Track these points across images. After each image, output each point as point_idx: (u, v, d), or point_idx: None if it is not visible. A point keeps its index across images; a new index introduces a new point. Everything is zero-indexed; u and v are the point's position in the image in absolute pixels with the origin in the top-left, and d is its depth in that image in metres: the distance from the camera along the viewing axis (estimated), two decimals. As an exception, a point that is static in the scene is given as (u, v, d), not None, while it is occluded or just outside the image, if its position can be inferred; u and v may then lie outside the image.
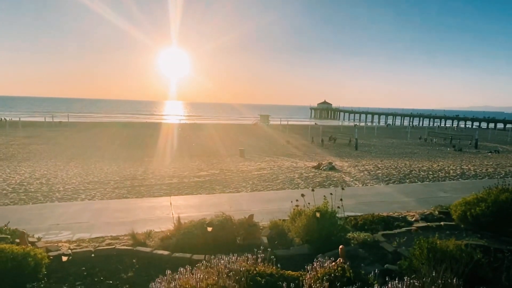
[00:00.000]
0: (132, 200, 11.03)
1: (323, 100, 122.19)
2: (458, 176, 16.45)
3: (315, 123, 65.40)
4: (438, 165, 20.08)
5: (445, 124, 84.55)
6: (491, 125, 79.03)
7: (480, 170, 18.45)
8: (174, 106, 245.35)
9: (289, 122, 58.78)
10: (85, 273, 4.77)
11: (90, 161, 19.52)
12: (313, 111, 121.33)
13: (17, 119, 45.82)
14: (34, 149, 24.33)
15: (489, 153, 29.34)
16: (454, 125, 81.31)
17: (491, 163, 21.97)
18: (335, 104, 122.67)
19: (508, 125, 74.08)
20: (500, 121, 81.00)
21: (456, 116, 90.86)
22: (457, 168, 19.08)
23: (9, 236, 5.77)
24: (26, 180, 13.80)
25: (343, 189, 8.04)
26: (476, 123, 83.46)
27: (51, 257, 4.97)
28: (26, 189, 12.36)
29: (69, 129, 43.34)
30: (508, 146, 37.11)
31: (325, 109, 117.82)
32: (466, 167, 19.41)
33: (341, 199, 6.29)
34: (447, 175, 16.77)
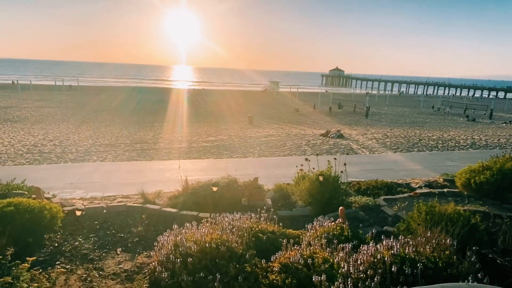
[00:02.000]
0: (142, 163, 11.35)
1: (335, 67, 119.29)
2: (468, 146, 16.30)
3: (326, 91, 64.35)
4: (449, 135, 19.87)
5: (460, 94, 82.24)
6: (509, 95, 76.54)
7: (492, 141, 18.22)
8: (183, 71, 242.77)
9: (299, 90, 57.96)
10: (97, 227, 5.08)
11: (101, 125, 19.89)
12: (324, 78, 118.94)
13: (28, 82, 46.22)
14: (46, 112, 24.78)
15: (504, 124, 28.76)
16: (469, 95, 79.04)
17: (504, 133, 21.62)
18: (347, 71, 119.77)
19: (526, 95, 71.74)
20: (517, 91, 78.35)
21: (472, 85, 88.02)
22: (468, 138, 18.86)
23: (26, 192, 6.10)
24: (40, 142, 14.22)
25: (347, 154, 8.12)
26: (493, 93, 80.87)
27: (66, 212, 5.29)
28: (40, 150, 12.78)
29: (79, 93, 43.66)
30: (524, 117, 36.22)
31: (336, 76, 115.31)
32: (478, 137, 19.17)
33: (344, 164, 6.37)
34: (457, 144, 16.63)
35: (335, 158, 6.56)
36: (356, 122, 26.77)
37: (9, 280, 3.29)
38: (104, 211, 5.64)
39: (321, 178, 5.92)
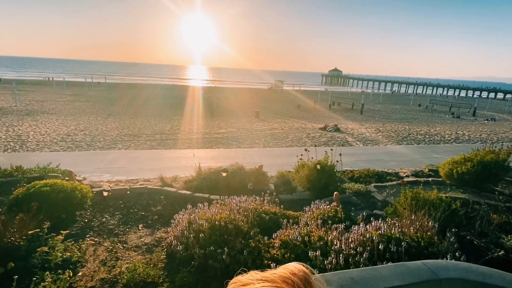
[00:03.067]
0: (161, 151, 11.44)
1: (334, 68, 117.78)
2: (452, 140, 16.09)
3: (325, 89, 63.67)
4: (435, 130, 19.60)
5: (447, 93, 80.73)
6: (492, 94, 74.99)
7: (474, 136, 17.95)
8: (198, 70, 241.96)
9: (301, 88, 57.49)
10: (122, 206, 5.17)
11: (125, 117, 20.01)
12: (324, 77, 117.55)
13: (62, 79, 46.57)
14: (77, 106, 24.98)
15: (486, 121, 28.23)
16: (455, 94, 77.57)
17: (485, 129, 21.25)
18: (345, 71, 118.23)
19: (508, 95, 70.12)
20: (500, 91, 76.54)
21: (458, 86, 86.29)
22: (453, 133, 18.60)
23: (60, 175, 6.22)
24: (72, 132, 14.38)
25: (342, 145, 8.07)
26: (477, 93, 79.29)
27: (95, 192, 5.39)
28: (72, 138, 12.94)
29: (106, 89, 43.81)
30: (505, 114, 35.45)
31: (335, 76, 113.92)
32: (461, 133, 18.90)
33: (340, 155, 6.36)
34: (442, 139, 16.43)
35: (331, 149, 6.55)
36: (352, 117, 26.49)
37: (46, 250, 3.39)
38: (128, 192, 5.73)
39: (318, 167, 5.92)
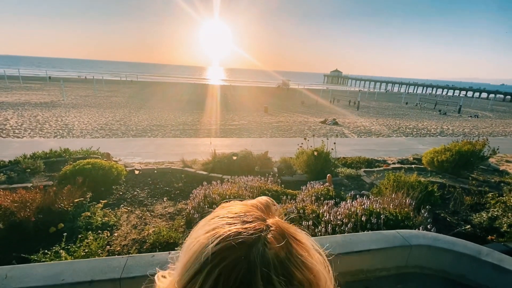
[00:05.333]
0: (184, 139, 11.66)
1: (335, 69, 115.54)
2: (437, 134, 15.76)
3: (327, 88, 62.66)
4: (423, 125, 19.18)
5: (435, 92, 78.27)
6: (476, 94, 72.34)
7: (458, 130, 17.51)
8: (216, 71, 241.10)
9: (305, 86, 56.78)
10: (150, 182, 5.37)
11: (153, 111, 20.31)
12: (326, 77, 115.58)
13: (101, 77, 47.34)
14: (114, 100, 25.44)
15: (469, 117, 27.34)
16: (443, 93, 75.16)
17: (468, 125, 20.65)
18: (345, 72, 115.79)
19: (491, 95, 67.52)
20: (483, 91, 73.74)
21: (446, 86, 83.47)
22: (438, 127, 18.18)
23: (99, 156, 6.47)
24: (109, 122, 14.75)
25: (336, 136, 8.06)
26: (463, 92, 76.61)
27: (128, 171, 5.60)
28: (110, 128, 13.29)
29: (138, 86, 44.29)
30: (487, 112, 34.22)
31: (336, 76, 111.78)
32: (446, 127, 18.44)
33: (334, 143, 6.38)
34: (428, 132, 16.10)
35: (327, 138, 6.58)
36: (349, 113, 26.11)
37: (89, 215, 3.61)
38: (155, 171, 5.93)
39: (315, 153, 5.97)
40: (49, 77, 44.29)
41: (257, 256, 0.40)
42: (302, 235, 0.49)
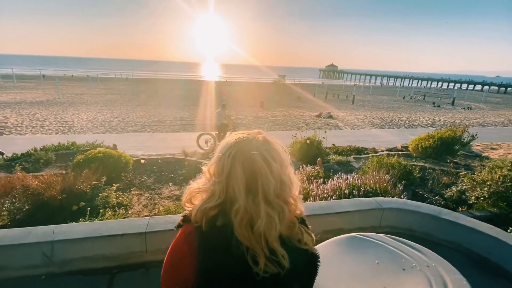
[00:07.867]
0: (182, 133, 12.11)
1: (331, 63, 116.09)
2: (428, 125, 16.38)
3: (322, 83, 63.15)
4: (415, 117, 19.82)
5: (430, 85, 79.24)
6: (470, 86, 73.43)
7: (449, 121, 18.15)
8: (211, 67, 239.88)
9: (301, 82, 57.23)
10: (156, 170, 5.85)
11: (151, 107, 20.65)
12: (321, 72, 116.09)
13: (96, 75, 47.30)
14: (110, 98, 25.69)
15: (462, 109, 28.10)
16: (438, 86, 76.12)
17: (460, 116, 21.35)
18: (341, 66, 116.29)
19: (485, 87, 68.60)
20: (478, 83, 74.86)
21: (441, 79, 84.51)
22: (430, 119, 18.82)
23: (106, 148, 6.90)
24: (108, 119, 15.12)
25: (328, 125, 8.55)
26: (458, 85, 77.65)
27: (134, 160, 6.07)
28: (109, 124, 13.68)
29: (133, 84, 44.41)
30: (480, 104, 35.06)
31: (331, 71, 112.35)
32: (438, 119, 19.09)
33: (325, 131, 6.89)
34: (420, 124, 16.72)
35: (319, 129, 7.08)
36: (344, 107, 26.66)
37: (105, 195, 4.09)
38: (159, 161, 6.40)
39: (308, 141, 6.48)
40: (43, 76, 44.17)
41: (254, 143, 0.90)
42: (277, 140, 0.99)
